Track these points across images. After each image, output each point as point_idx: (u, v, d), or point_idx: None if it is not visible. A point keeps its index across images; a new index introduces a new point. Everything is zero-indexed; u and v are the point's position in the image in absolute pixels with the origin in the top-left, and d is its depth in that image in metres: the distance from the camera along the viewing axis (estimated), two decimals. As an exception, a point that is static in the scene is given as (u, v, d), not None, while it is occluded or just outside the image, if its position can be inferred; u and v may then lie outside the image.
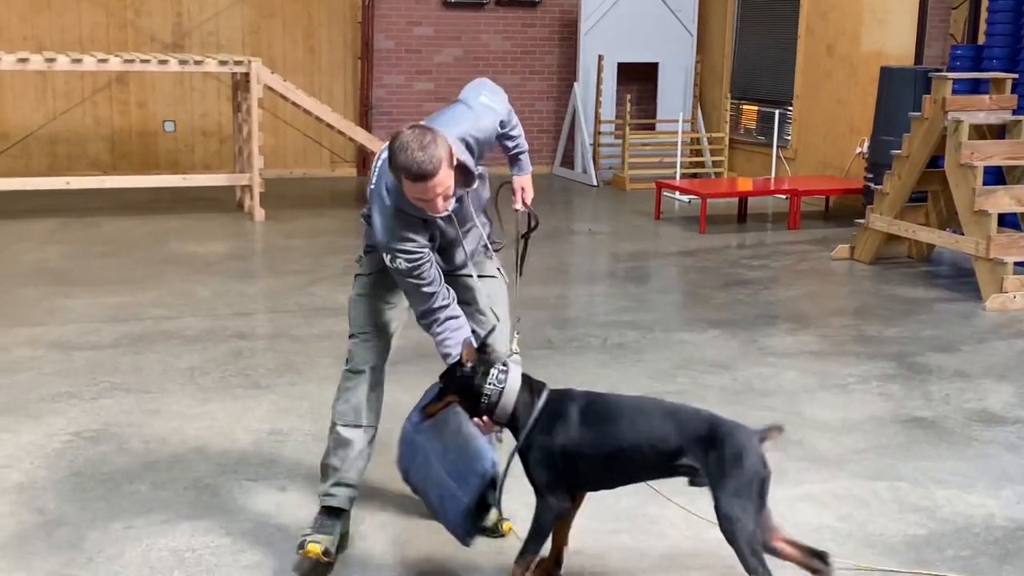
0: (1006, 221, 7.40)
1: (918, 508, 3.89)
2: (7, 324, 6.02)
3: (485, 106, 3.33)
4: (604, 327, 6.19)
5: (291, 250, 8.16)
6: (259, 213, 9.24)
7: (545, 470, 3.02)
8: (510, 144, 3.55)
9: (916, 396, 5.09)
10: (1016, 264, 6.88)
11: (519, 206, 3.58)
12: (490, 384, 3.05)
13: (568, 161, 12.03)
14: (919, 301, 6.91)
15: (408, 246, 3.13)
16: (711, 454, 2.95)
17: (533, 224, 3.58)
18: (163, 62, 9.10)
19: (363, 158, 11.81)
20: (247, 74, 9.18)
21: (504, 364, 3.10)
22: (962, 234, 7.11)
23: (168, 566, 3.37)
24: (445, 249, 3.35)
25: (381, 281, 3.39)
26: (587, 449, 3.02)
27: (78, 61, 8.88)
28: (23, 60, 8.74)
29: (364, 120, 11.58)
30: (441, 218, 3.16)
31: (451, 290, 3.27)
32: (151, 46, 11.04)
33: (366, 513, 3.70)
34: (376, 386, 3.41)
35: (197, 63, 9.21)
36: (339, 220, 9.51)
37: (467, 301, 3.43)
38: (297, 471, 4.09)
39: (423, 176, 2.95)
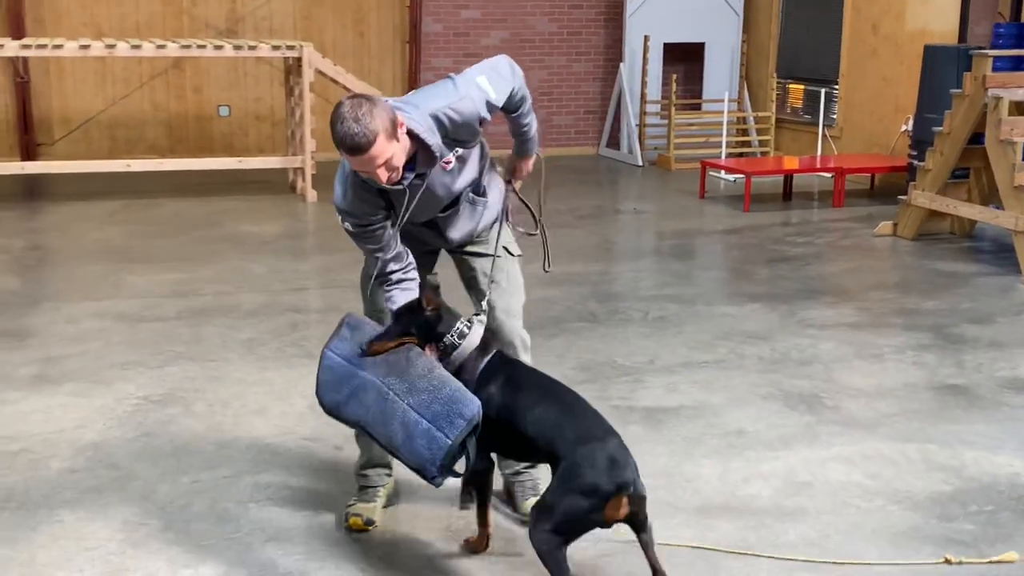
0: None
1: (945, 467, 4.03)
2: (75, 298, 6.32)
3: (477, 87, 3.21)
4: (646, 301, 6.36)
5: (342, 230, 8.38)
6: (311, 194, 9.50)
7: None
8: (516, 127, 3.47)
9: (949, 364, 5.22)
10: (1056, 239, 6.93)
11: (510, 185, 3.57)
12: (451, 334, 3.15)
13: (614, 142, 12.17)
14: (959, 275, 7.00)
15: (356, 211, 3.20)
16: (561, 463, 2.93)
17: (537, 217, 3.60)
18: (218, 47, 9.39)
19: (412, 140, 12.03)
20: (299, 59, 9.43)
21: (469, 320, 3.21)
22: (1003, 209, 7.18)
23: (234, 515, 3.62)
24: (435, 225, 3.39)
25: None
26: (492, 415, 3.07)
27: (137, 47, 9.18)
28: (85, 47, 9.06)
29: (413, 103, 11.80)
30: (394, 189, 3.13)
31: (408, 256, 3.30)
32: (205, 32, 11.34)
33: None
34: None
35: (251, 48, 9.47)
36: (389, 200, 9.73)
37: (468, 280, 3.53)
38: (350, 433, 4.29)
39: (356, 149, 2.93)
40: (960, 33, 9.42)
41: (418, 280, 3.32)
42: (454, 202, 3.37)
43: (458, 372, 3.14)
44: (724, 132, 11.20)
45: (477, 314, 3.38)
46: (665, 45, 11.95)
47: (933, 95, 8.65)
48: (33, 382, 4.90)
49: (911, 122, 9.34)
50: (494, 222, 3.51)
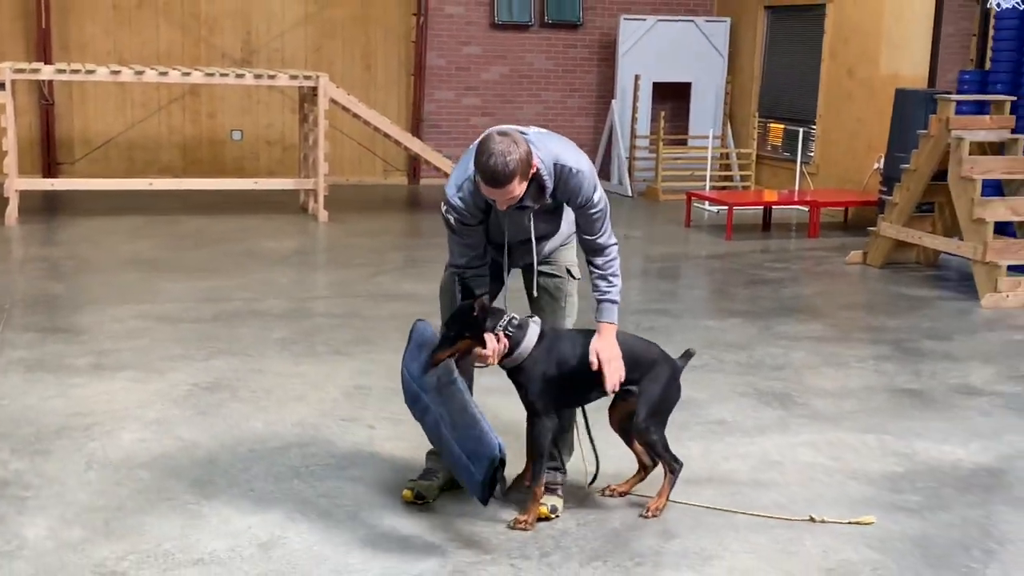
0: (1007, 231, 8.15)
1: (898, 454, 4.68)
2: (117, 302, 6.92)
3: (598, 186, 3.72)
4: (638, 314, 7.00)
5: (355, 247, 9.05)
6: (323, 215, 10.13)
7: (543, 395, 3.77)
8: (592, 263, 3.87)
9: (907, 372, 5.88)
10: (1010, 267, 7.63)
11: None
12: (504, 324, 3.69)
13: (605, 173, 12.88)
14: (921, 299, 7.69)
15: (462, 209, 3.67)
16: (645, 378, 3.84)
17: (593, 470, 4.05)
18: (240, 76, 10.04)
19: (414, 167, 12.72)
20: (315, 88, 10.09)
21: (515, 317, 3.74)
22: (964, 240, 7.87)
23: (288, 476, 4.22)
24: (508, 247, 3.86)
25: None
26: (565, 371, 3.78)
27: (164, 74, 9.83)
28: (115, 72, 9.70)
29: (416, 132, 12.48)
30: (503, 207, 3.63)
31: (486, 258, 3.81)
32: (221, 62, 12.01)
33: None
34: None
35: (270, 77, 10.13)
36: (396, 222, 10.41)
37: (529, 294, 4.02)
38: (381, 415, 4.93)
39: (495, 183, 3.46)
40: (930, 78, 10.17)
41: (487, 277, 3.84)
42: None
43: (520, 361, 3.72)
44: (708, 166, 11.92)
45: (531, 316, 3.88)
46: (654, 84, 12.70)
47: (903, 135, 9.38)
48: (93, 370, 5.49)
49: (882, 160, 10.06)
50: (561, 245, 3.97)
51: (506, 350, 3.74)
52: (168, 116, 12.17)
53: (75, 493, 4.00)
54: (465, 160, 3.72)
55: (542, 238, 3.90)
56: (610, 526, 3.86)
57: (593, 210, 3.76)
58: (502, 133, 3.53)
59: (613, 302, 3.89)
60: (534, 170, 3.58)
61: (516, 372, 3.81)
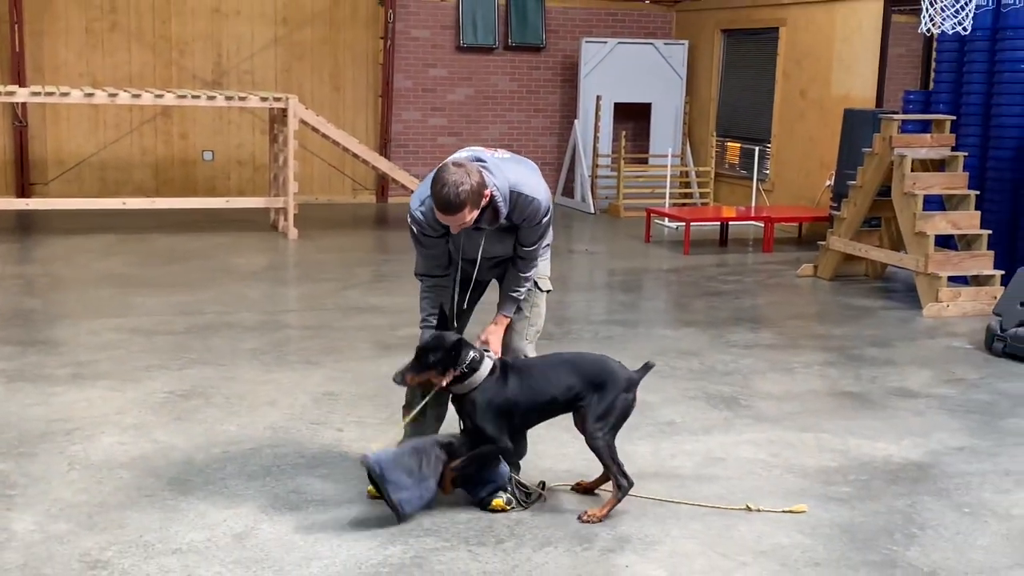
0: (948, 244, 8.54)
1: (834, 450, 5.00)
2: (92, 316, 7.15)
3: (549, 211, 4.07)
4: (596, 324, 7.31)
5: (324, 263, 9.32)
6: (293, 232, 10.39)
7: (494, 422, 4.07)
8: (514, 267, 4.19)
9: (848, 377, 6.22)
10: (950, 278, 8.00)
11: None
12: (463, 363, 4.00)
13: (568, 191, 13.23)
14: (867, 309, 8.05)
15: (424, 224, 4.00)
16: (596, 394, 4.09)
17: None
18: (211, 98, 10.30)
19: (382, 186, 13.01)
20: (284, 109, 10.37)
21: (481, 352, 4.08)
22: (907, 253, 8.25)
23: (260, 474, 4.48)
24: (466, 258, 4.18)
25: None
26: (522, 400, 4.08)
27: (137, 96, 10.08)
28: (89, 95, 9.94)
29: (384, 152, 12.78)
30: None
31: (450, 272, 4.14)
32: (193, 83, 12.27)
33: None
34: None
35: (241, 99, 10.39)
36: (364, 239, 10.69)
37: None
38: (348, 419, 5.21)
39: (446, 210, 3.80)
40: (878, 99, 10.59)
41: (450, 289, 4.15)
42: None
43: (472, 389, 4.04)
44: (668, 184, 12.29)
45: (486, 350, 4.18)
46: (616, 104, 13.07)
47: (851, 153, 9.77)
48: (72, 379, 5.73)
49: (833, 177, 10.45)
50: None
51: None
52: (140, 137, 12.40)
53: (59, 491, 4.24)
54: (426, 185, 4.01)
55: (495, 257, 4.20)
56: (561, 516, 4.15)
57: (539, 230, 4.13)
58: (457, 164, 3.85)
59: (516, 300, 4.26)
60: (486, 200, 3.88)
61: (462, 400, 4.10)
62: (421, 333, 4.19)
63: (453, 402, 4.20)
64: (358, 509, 4.15)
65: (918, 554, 3.92)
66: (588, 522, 4.08)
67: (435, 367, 4.03)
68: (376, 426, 5.11)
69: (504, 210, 3.98)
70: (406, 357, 6.02)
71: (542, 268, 4.37)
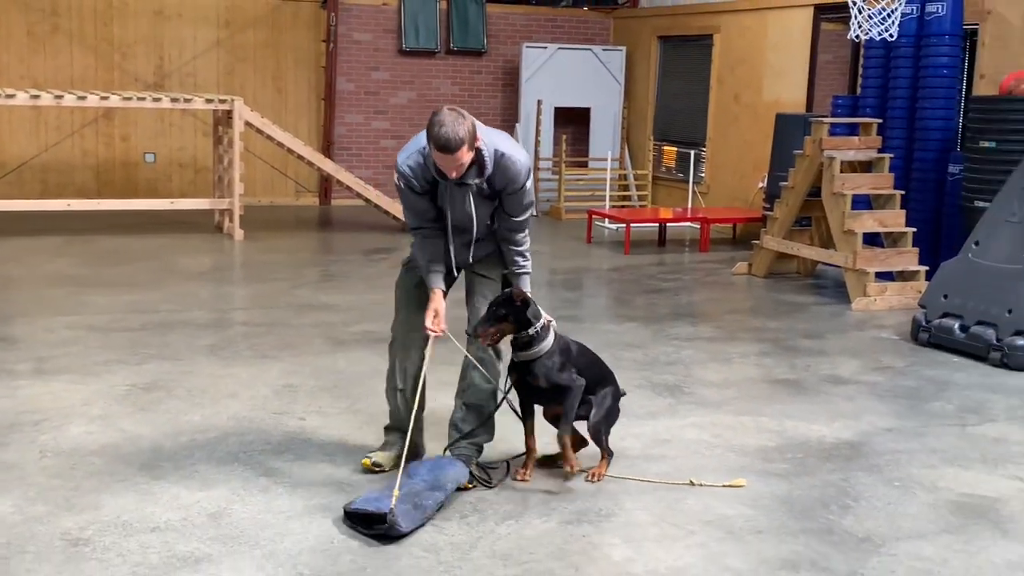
0: (876, 241, 8.94)
1: (771, 431, 5.31)
2: (48, 314, 7.23)
3: (530, 174, 4.29)
4: (542, 320, 7.56)
5: (271, 263, 9.46)
6: (239, 233, 10.50)
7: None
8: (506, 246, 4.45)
9: (784, 366, 6.55)
10: (877, 274, 8.40)
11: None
12: (535, 327, 4.35)
13: (509, 193, 13.46)
14: (800, 304, 8.42)
15: (410, 177, 4.21)
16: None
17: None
18: (157, 99, 10.38)
19: (325, 188, 13.15)
20: (230, 111, 10.48)
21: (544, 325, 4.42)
22: (836, 251, 8.63)
23: (228, 460, 4.65)
24: (457, 227, 4.37)
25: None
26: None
27: (82, 98, 10.13)
28: (35, 96, 9.96)
29: (327, 154, 12.91)
30: (448, 180, 4.15)
31: (438, 225, 4.31)
32: (135, 86, 12.31)
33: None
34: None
35: (187, 100, 10.48)
36: (309, 240, 10.84)
37: (469, 294, 4.57)
38: (310, 409, 5.39)
39: (446, 149, 3.97)
40: (808, 103, 11.01)
41: (441, 240, 4.33)
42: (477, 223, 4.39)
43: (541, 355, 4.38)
44: (607, 187, 12.61)
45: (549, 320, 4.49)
46: (556, 109, 13.37)
47: (783, 156, 10.15)
48: (34, 374, 5.84)
49: (766, 179, 10.84)
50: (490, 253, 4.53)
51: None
52: (81, 139, 12.40)
53: (34, 476, 4.38)
54: (416, 139, 4.26)
55: (483, 229, 4.40)
56: (521, 493, 4.39)
57: (524, 198, 4.36)
58: (451, 108, 4.10)
59: (527, 273, 4.55)
60: (479, 142, 4.12)
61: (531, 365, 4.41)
62: (428, 276, 4.40)
63: (516, 370, 4.44)
64: (327, 490, 4.34)
65: (853, 522, 4.23)
66: (598, 480, 4.52)
67: (507, 319, 4.32)
68: (336, 415, 5.31)
69: (489, 166, 4.21)
70: (361, 352, 6.30)
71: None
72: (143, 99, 10.39)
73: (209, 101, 10.56)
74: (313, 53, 13.09)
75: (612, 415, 4.70)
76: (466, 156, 4.08)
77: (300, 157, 11.27)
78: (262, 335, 6.93)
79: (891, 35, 8.70)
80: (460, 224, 4.39)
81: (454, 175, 4.15)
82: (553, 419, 4.66)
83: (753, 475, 4.67)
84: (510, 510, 4.21)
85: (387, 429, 4.72)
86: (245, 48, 12.84)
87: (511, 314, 4.35)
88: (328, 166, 11.37)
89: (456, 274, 4.56)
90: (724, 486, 4.52)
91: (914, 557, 3.93)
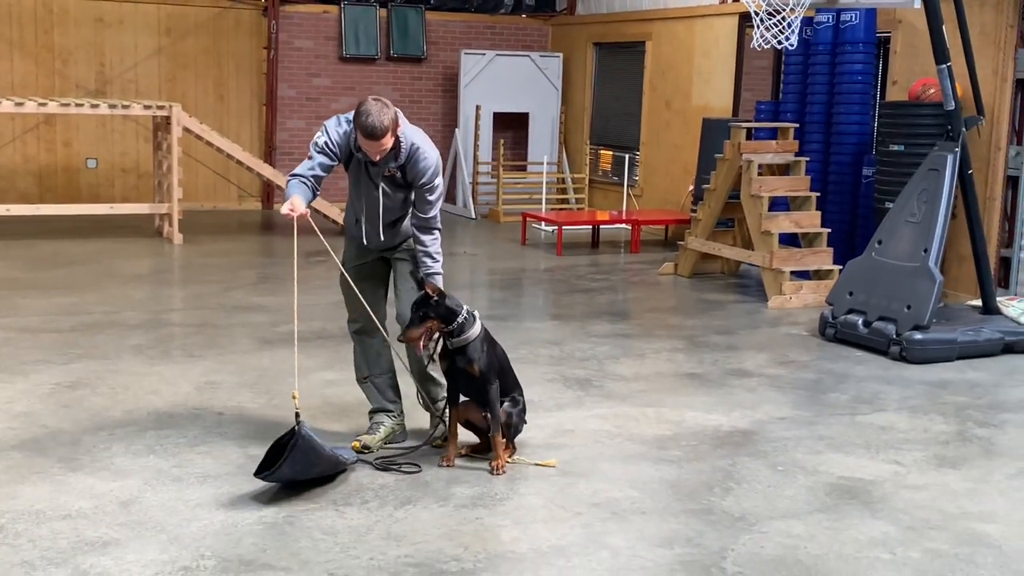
0: (793, 242, 9.28)
1: (670, 421, 5.58)
2: (-21, 316, 7.38)
3: (438, 170, 4.68)
4: (467, 319, 7.80)
5: (208, 266, 9.63)
6: (178, 237, 10.66)
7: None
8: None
9: (693, 360, 6.84)
10: (793, 273, 8.73)
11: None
12: (459, 318, 4.63)
13: (450, 198, 13.70)
14: (718, 302, 8.72)
15: (330, 140, 4.59)
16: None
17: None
18: (95, 106, 10.52)
19: (267, 193, 13.32)
20: (168, 117, 10.63)
21: (469, 311, 4.71)
22: (755, 251, 8.95)
23: (144, 452, 4.85)
24: (367, 211, 4.74)
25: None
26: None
27: (20, 104, 10.24)
28: (-28, 103, 10.06)
29: (269, 159, 13.09)
30: (368, 161, 4.58)
31: (318, 182, 4.62)
32: (76, 92, 12.41)
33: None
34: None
35: (125, 107, 10.63)
36: (249, 244, 11.01)
37: (393, 281, 4.95)
38: (229, 404, 5.60)
39: (371, 136, 4.42)
40: (734, 108, 11.34)
41: (309, 189, 4.63)
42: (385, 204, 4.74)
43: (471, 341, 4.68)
44: (544, 190, 12.89)
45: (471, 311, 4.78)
46: (495, 114, 13.63)
47: (709, 160, 10.46)
48: (-40, 374, 5.99)
49: (694, 182, 11.15)
50: (406, 240, 4.87)
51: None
52: (23, 145, 12.49)
53: (-47, 469, 4.56)
54: (340, 118, 4.67)
55: (391, 215, 4.76)
56: (422, 480, 4.63)
57: (431, 194, 4.72)
58: (376, 99, 4.49)
59: (438, 274, 4.79)
60: (400, 129, 4.52)
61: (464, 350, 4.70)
62: (287, 183, 4.66)
63: (449, 357, 4.72)
64: (238, 481, 4.55)
65: (732, 503, 4.50)
66: (500, 472, 4.72)
67: (430, 317, 4.61)
68: (255, 410, 5.52)
69: (403, 156, 4.60)
70: (287, 351, 6.51)
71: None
72: (81, 105, 10.52)
73: (148, 107, 10.71)
74: (255, 60, 13.26)
75: (523, 416, 4.98)
76: (389, 142, 4.50)
77: (239, 162, 11.44)
78: (190, 335, 7.11)
79: (791, 44, 9.00)
80: (368, 202, 4.73)
81: (377, 159, 4.54)
82: (465, 423, 4.93)
83: (646, 462, 4.94)
84: (410, 495, 4.45)
85: (370, 413, 5.08)
86: (187, 55, 12.98)
87: (432, 311, 4.64)
88: (267, 171, 11.55)
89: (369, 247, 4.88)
90: (535, 464, 4.85)
91: (784, 534, 4.21)
